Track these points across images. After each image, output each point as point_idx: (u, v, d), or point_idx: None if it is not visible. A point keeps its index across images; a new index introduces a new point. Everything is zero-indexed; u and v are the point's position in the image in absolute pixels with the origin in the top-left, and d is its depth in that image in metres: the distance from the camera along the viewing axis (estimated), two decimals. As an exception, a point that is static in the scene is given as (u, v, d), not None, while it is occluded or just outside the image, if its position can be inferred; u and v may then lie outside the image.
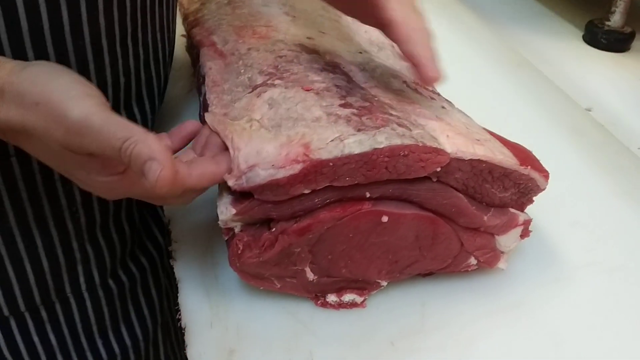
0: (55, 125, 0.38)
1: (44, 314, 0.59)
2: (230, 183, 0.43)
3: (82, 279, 0.60)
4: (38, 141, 0.40)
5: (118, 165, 0.41)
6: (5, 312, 0.57)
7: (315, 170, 0.41)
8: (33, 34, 0.47)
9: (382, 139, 0.41)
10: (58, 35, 0.48)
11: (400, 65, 0.61)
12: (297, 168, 0.41)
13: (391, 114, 0.45)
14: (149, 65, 0.60)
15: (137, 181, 0.40)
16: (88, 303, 0.62)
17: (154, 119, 0.64)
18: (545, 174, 0.48)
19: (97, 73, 0.53)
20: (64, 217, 0.57)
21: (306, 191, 0.42)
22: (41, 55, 0.48)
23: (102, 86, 0.54)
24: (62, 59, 0.50)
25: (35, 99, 0.39)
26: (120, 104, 0.58)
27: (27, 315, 0.58)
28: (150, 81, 0.61)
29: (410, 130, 0.43)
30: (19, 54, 0.47)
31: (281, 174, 0.41)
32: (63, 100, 0.38)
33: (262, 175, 0.42)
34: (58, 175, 0.54)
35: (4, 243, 0.54)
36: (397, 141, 0.41)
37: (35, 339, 0.59)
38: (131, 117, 0.60)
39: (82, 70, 0.52)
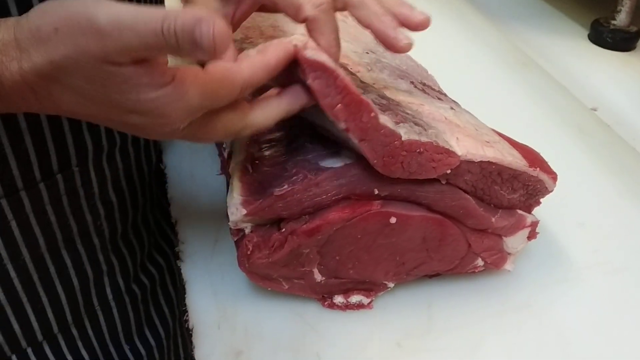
0: (86, 40, 0.34)
1: (74, 331, 0.58)
2: (308, 53, 0.39)
3: (108, 290, 0.60)
4: (74, 76, 0.35)
5: (166, 71, 0.36)
6: (39, 337, 0.56)
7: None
8: None
9: (402, 133, 0.41)
10: None
11: (407, 65, 0.61)
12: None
13: (407, 113, 0.45)
14: None
15: (190, 89, 0.36)
16: (115, 311, 0.61)
17: None
18: (553, 176, 0.48)
19: None
20: (90, 233, 0.56)
21: None
22: None
23: None
24: None
25: (52, 26, 0.34)
26: None
27: (59, 336, 0.57)
28: None
29: (426, 130, 0.43)
30: None
31: None
32: (82, 11, 0.34)
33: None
34: (82, 192, 0.53)
35: (36, 270, 0.53)
36: (415, 137, 0.41)
37: (69, 357, 0.59)
38: None
39: None
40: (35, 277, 0.53)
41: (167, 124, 0.37)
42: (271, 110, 0.41)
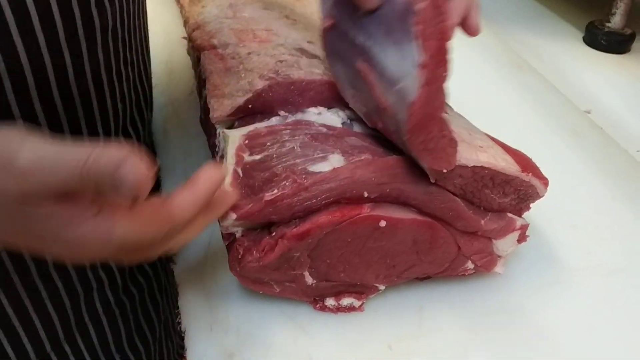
0: (5, 179, 0.33)
1: (67, 347, 0.59)
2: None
3: (98, 304, 0.61)
4: None
5: (87, 208, 0.35)
6: (33, 357, 0.56)
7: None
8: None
9: None
10: (62, 78, 0.48)
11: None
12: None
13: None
14: (136, 85, 0.60)
15: (116, 225, 0.35)
16: (105, 323, 0.62)
17: (145, 133, 0.65)
18: (545, 182, 0.48)
19: (99, 104, 0.53)
20: None
21: None
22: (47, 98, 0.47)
23: (104, 117, 0.54)
24: (67, 101, 0.49)
25: None
26: (119, 130, 0.58)
27: (52, 354, 0.58)
28: (139, 100, 0.61)
29: None
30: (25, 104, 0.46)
31: None
32: (4, 150, 0.33)
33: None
34: None
35: (28, 296, 0.53)
36: None
37: None
38: (128, 137, 0.60)
39: (85, 105, 0.51)
40: (27, 302, 0.53)
41: (92, 254, 0.36)
42: (195, 228, 0.40)
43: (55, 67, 0.46)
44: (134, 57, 0.59)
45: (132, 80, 0.59)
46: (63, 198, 0.34)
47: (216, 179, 0.39)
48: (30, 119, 0.46)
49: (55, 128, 0.49)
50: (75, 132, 0.51)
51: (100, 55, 0.51)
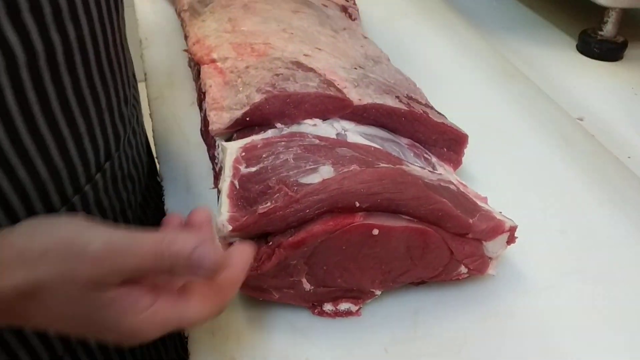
0: (76, 264, 0.35)
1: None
2: None
3: None
4: (56, 298, 0.36)
5: (147, 293, 0.37)
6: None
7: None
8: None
9: None
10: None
11: (395, 79, 0.63)
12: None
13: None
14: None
15: (190, 309, 0.38)
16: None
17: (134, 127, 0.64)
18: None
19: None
20: None
21: None
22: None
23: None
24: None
25: (41, 249, 0.35)
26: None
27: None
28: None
29: None
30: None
31: None
32: (75, 237, 0.35)
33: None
34: None
35: None
36: None
37: None
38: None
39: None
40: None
41: (141, 339, 0.38)
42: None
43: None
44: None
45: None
46: (126, 283, 0.36)
47: (248, 257, 0.42)
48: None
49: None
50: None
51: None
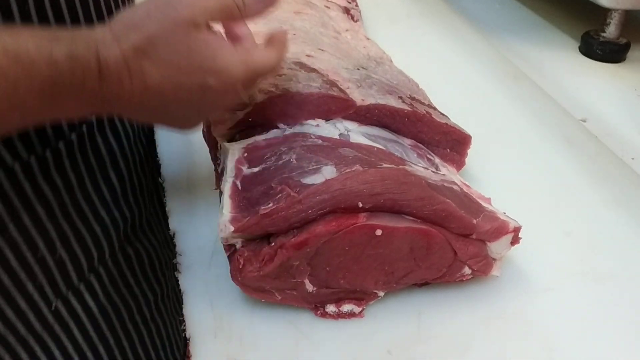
0: (175, 12, 0.42)
1: None
2: None
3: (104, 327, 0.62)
4: (164, 49, 0.42)
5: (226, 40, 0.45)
6: None
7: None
8: None
9: None
10: None
11: (397, 80, 0.63)
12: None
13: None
14: None
15: (254, 52, 0.46)
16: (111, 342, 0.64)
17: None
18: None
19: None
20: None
21: None
22: None
23: None
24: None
25: (144, 12, 0.42)
26: None
27: None
28: None
29: None
30: None
31: None
32: None
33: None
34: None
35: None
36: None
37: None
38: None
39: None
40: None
41: (233, 84, 0.45)
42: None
43: None
44: None
45: None
46: (212, 29, 0.44)
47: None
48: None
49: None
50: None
51: None
